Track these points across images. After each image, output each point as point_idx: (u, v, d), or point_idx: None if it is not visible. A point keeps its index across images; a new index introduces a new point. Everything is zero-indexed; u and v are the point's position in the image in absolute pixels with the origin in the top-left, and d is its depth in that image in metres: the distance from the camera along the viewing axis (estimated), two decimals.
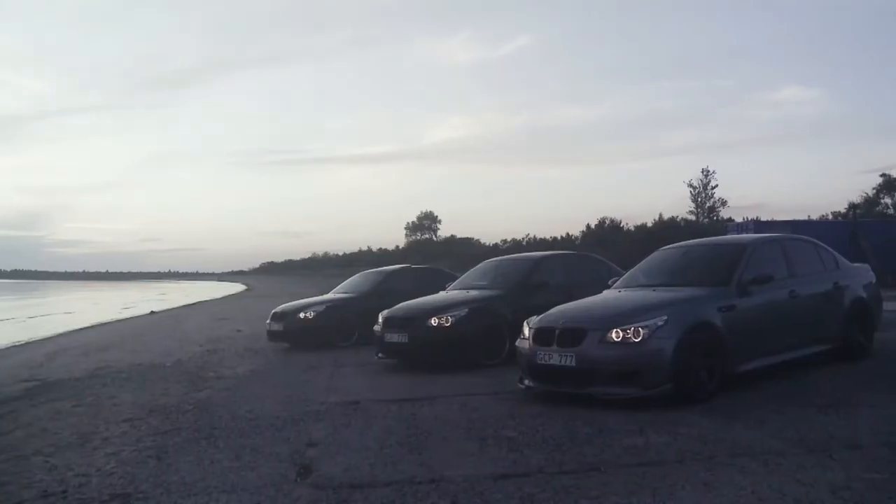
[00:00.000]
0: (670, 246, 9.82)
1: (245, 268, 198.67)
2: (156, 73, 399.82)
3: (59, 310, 44.36)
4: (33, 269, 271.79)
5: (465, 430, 6.49)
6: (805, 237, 10.21)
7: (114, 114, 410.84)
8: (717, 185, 65.59)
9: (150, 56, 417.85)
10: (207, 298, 50.98)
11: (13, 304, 51.47)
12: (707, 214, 64.38)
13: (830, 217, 53.35)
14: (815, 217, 51.85)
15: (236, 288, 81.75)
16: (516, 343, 8.25)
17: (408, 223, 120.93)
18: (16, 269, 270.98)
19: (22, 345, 20.16)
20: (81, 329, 25.12)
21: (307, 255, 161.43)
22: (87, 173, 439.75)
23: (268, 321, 15.31)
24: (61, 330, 24.95)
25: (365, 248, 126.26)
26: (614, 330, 7.15)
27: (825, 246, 9.80)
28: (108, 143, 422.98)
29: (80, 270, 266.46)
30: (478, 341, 10.41)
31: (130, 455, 6.17)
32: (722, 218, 59.24)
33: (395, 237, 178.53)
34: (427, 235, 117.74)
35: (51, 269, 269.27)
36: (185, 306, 40.27)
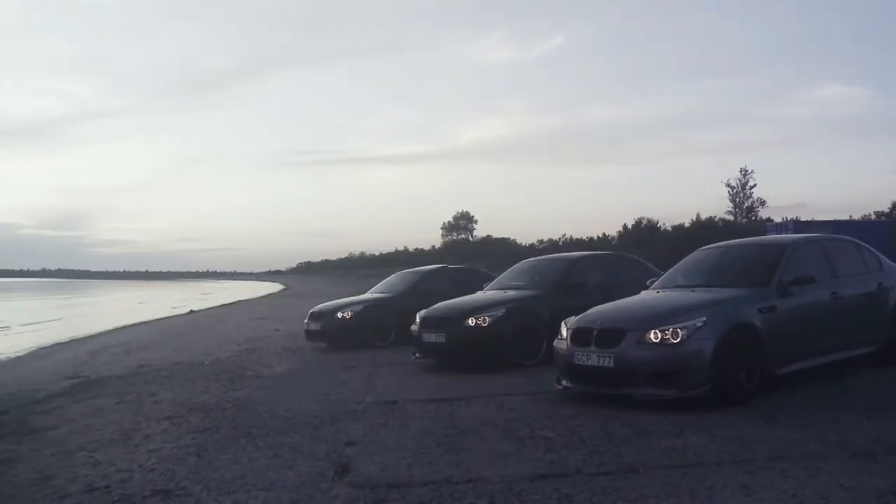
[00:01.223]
0: (709, 246, 9.72)
1: (282, 267, 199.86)
2: (192, 75, 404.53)
3: (101, 308, 45.03)
4: (76, 268, 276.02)
5: (503, 430, 6.48)
6: (847, 237, 10.06)
7: (151, 115, 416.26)
8: (755, 185, 64.94)
9: (185, 59, 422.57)
10: (245, 298, 51.42)
11: (58, 303, 52.35)
12: (745, 214, 63.70)
13: (873, 217, 52.40)
14: (856, 217, 51.00)
15: (274, 287, 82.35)
16: (554, 343, 8.22)
17: (444, 223, 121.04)
18: (59, 269, 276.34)
19: (66, 342, 20.51)
20: (123, 327, 25.48)
21: (343, 255, 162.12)
22: (126, 174, 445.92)
23: (305, 320, 15.41)
24: (103, 328, 25.34)
25: (401, 248, 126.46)
26: (653, 330, 7.10)
27: (867, 246, 9.62)
28: (145, 144, 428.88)
29: (121, 270, 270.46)
30: (515, 341, 10.39)
31: (171, 452, 6.25)
32: (760, 218, 58.58)
33: (431, 237, 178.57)
34: (463, 235, 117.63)
35: (92, 269, 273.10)
36: (223, 305, 40.64)
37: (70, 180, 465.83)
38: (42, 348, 19.40)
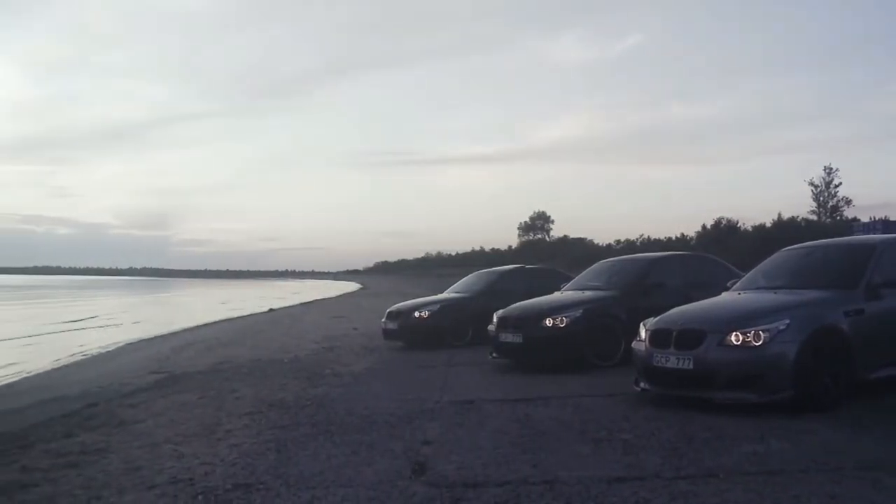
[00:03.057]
0: (792, 247, 9.47)
1: (359, 267, 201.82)
2: (274, 78, 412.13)
3: (183, 306, 46.20)
4: (161, 266, 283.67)
5: (579, 431, 6.44)
6: None
7: (235, 118, 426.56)
8: (840, 184, 62.81)
9: (267, 63, 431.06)
10: (323, 297, 52.15)
11: (144, 301, 53.92)
12: (830, 214, 61.68)
13: None
14: None
15: (351, 287, 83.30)
16: (632, 345, 8.13)
17: (520, 223, 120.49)
18: (145, 267, 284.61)
19: (151, 339, 21.13)
20: (204, 325, 26.10)
21: (420, 255, 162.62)
22: (210, 175, 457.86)
23: (383, 320, 15.55)
24: (186, 325, 26.00)
25: (478, 247, 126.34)
26: (734, 333, 6.97)
27: None
28: (229, 146, 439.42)
29: (203, 268, 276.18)
30: (592, 342, 10.32)
31: (251, 447, 6.37)
32: (846, 217, 56.67)
33: (507, 237, 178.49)
34: (540, 235, 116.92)
35: (176, 267, 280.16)
36: (301, 304, 41.28)
37: (157, 182, 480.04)
38: (129, 344, 20.04)
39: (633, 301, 10.63)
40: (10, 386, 12.96)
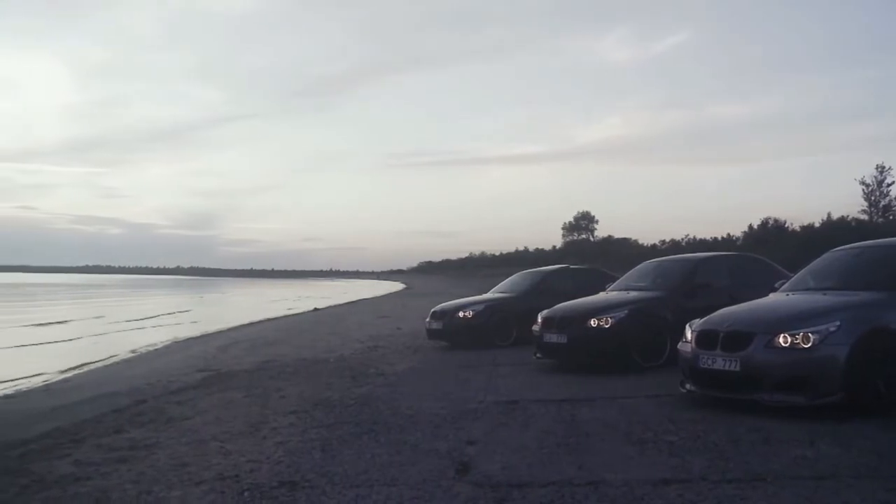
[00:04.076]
0: (843, 247, 9.29)
1: (403, 267, 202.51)
2: (317, 79, 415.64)
3: (229, 305, 46.74)
4: (206, 266, 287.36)
5: (625, 433, 6.39)
6: None
7: (279, 119, 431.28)
8: (893, 182, 61.48)
9: (310, 63, 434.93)
10: (367, 296, 52.42)
11: (190, 300, 54.63)
12: (882, 214, 60.33)
13: None
14: None
15: (395, 287, 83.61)
16: (678, 346, 8.05)
17: (564, 223, 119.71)
18: (192, 266, 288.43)
19: (198, 337, 21.41)
20: (249, 324, 26.38)
21: (464, 255, 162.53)
22: (254, 176, 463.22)
23: (427, 319, 15.58)
24: (231, 324, 26.30)
25: (521, 248, 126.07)
26: (782, 334, 6.86)
27: None
28: (273, 146, 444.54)
29: (248, 268, 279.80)
30: (637, 343, 10.24)
31: (297, 445, 6.43)
32: None
33: (551, 237, 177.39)
34: (584, 235, 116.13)
35: (222, 267, 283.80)
36: (345, 304, 41.54)
37: (203, 183, 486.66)
38: (176, 342, 20.34)
39: (679, 302, 10.54)
40: (63, 381, 13.23)
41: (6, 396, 11.62)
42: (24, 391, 12.24)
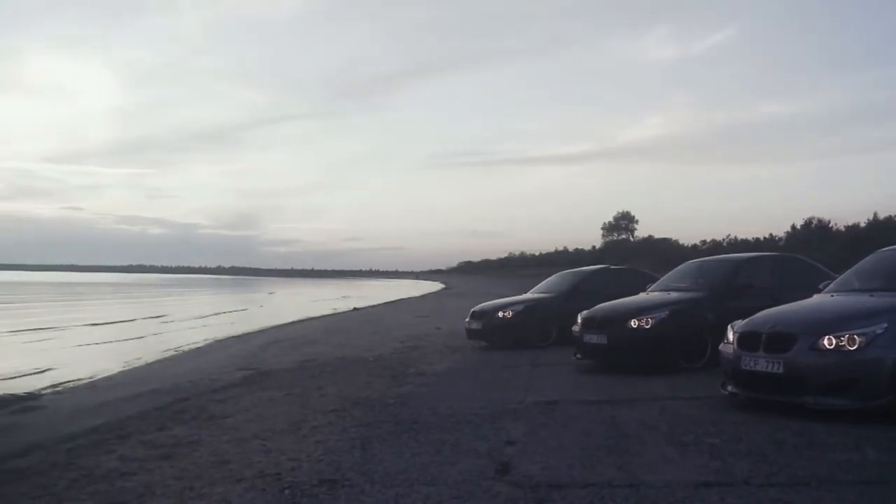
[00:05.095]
0: (890, 247, 9.11)
1: (442, 267, 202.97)
2: (358, 80, 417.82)
3: (270, 304, 47.14)
4: (247, 265, 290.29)
5: (666, 434, 6.34)
6: None
7: (321, 120, 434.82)
8: None
9: (354, 64, 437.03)
10: (407, 296, 52.56)
11: (232, 299, 55.23)
12: None
13: None
14: None
15: (434, 286, 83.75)
16: (720, 347, 7.97)
17: (604, 223, 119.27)
18: (233, 266, 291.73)
19: (239, 336, 21.64)
20: (290, 323, 26.59)
21: (503, 255, 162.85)
22: (295, 176, 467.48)
23: (466, 319, 15.56)
24: (272, 323, 26.53)
25: (561, 248, 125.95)
26: (827, 336, 6.75)
27: None
28: (314, 147, 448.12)
29: (289, 268, 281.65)
30: (678, 344, 10.16)
31: (337, 444, 6.47)
32: None
33: (591, 237, 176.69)
34: (624, 236, 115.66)
35: (263, 267, 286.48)
36: (385, 304, 41.70)
37: (246, 183, 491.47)
38: (218, 340, 20.58)
39: (721, 302, 10.42)
40: (108, 379, 13.46)
41: (55, 392, 11.86)
42: (71, 387, 12.50)
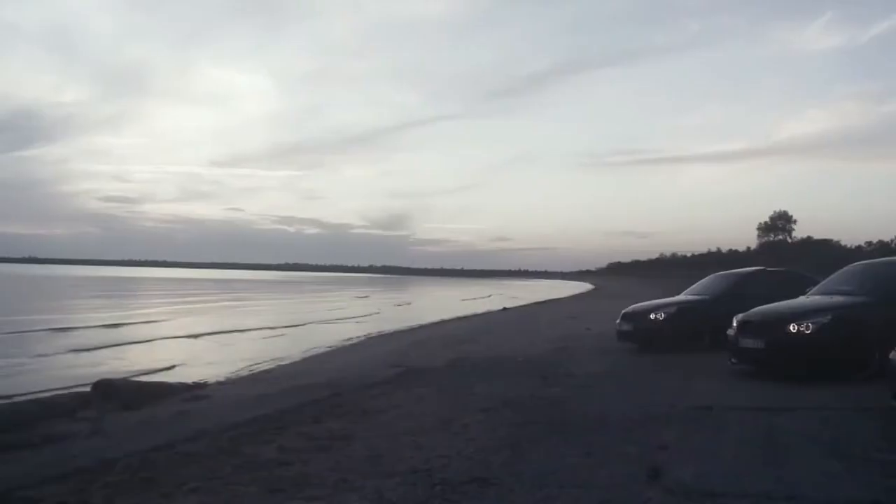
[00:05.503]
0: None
1: (592, 267, 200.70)
2: (508, 79, 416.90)
3: (421, 304, 47.94)
4: (398, 265, 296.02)
5: (829, 446, 6.03)
6: None
7: (471, 121, 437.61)
8: None
9: (503, 64, 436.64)
10: (555, 297, 52.31)
11: (382, 297, 56.53)
12: None
13: None
14: None
15: (583, 287, 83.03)
16: (889, 356, 7.51)
17: (760, 223, 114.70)
18: (384, 265, 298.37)
19: (391, 333, 22.16)
20: (440, 322, 26.97)
21: (654, 256, 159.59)
22: (445, 177, 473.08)
23: (617, 321, 15.31)
24: (423, 322, 27.00)
25: (714, 249, 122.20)
26: None
27: None
28: (464, 147, 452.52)
29: (438, 267, 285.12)
30: (841, 351, 9.64)
31: (487, 443, 6.50)
32: None
33: (745, 238, 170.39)
34: (780, 236, 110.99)
35: (412, 266, 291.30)
36: (534, 304, 41.66)
37: (397, 184, 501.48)
38: (370, 337, 21.15)
39: (890, 309, 9.81)
40: (266, 372, 14.09)
41: (218, 383, 12.53)
42: (234, 378, 13.17)
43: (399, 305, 45.45)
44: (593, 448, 6.17)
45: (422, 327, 24.72)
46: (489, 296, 59.22)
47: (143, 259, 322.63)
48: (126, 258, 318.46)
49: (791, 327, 9.93)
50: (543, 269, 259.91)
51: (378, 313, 34.94)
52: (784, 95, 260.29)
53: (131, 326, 25.75)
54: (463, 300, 51.05)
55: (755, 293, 13.20)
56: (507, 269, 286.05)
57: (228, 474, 5.62)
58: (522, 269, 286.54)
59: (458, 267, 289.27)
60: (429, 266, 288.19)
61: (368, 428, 7.37)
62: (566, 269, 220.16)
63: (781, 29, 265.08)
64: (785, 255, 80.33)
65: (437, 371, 11.94)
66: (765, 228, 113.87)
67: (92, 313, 30.97)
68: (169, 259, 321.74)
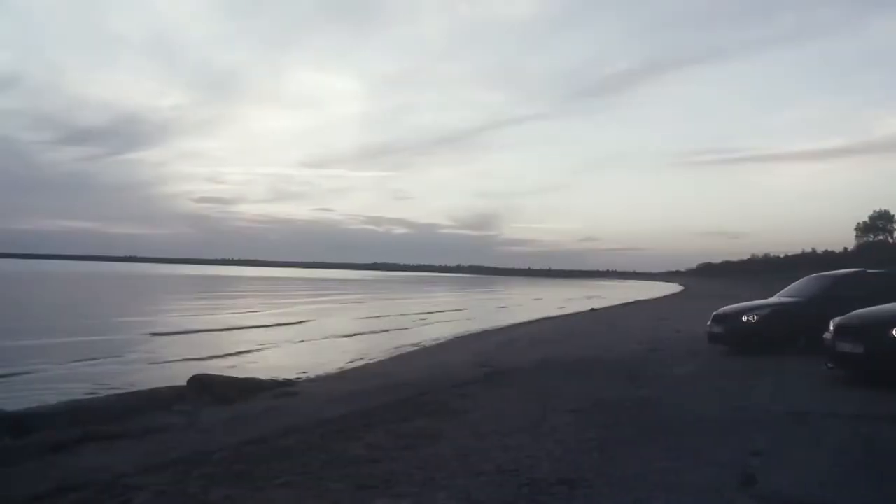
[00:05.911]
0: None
1: (681, 268, 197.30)
2: (597, 78, 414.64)
3: (508, 304, 47.92)
4: (485, 265, 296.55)
5: None
6: None
7: (559, 121, 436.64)
8: None
9: (591, 63, 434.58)
10: (644, 298, 51.60)
11: (470, 297, 56.69)
12: None
13: None
14: None
15: (673, 288, 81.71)
16: None
17: (858, 223, 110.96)
18: (471, 265, 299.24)
19: (478, 334, 22.20)
20: (527, 322, 26.91)
21: (746, 257, 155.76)
22: (534, 177, 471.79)
23: (708, 323, 15.02)
24: (510, 322, 26.97)
25: (808, 249, 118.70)
26: None
27: None
28: (551, 147, 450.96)
29: (525, 267, 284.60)
30: None
31: (575, 444, 6.44)
32: None
33: (842, 238, 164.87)
34: (881, 237, 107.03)
35: (499, 266, 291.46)
36: (622, 305, 41.21)
37: (484, 184, 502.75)
38: (458, 337, 21.23)
39: None
40: (356, 370, 14.29)
41: (309, 380, 12.77)
42: (324, 376, 13.39)
43: (486, 305, 45.51)
44: (683, 452, 6.06)
45: (509, 327, 24.70)
46: (577, 296, 58.81)
47: (235, 258, 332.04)
48: (220, 257, 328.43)
49: (893, 332, 9.55)
50: (632, 270, 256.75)
51: (466, 312, 35.13)
52: (885, 90, 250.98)
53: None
54: (550, 301, 50.80)
55: (854, 295, 12.74)
56: (595, 269, 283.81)
57: (318, 469, 5.72)
58: (610, 269, 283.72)
59: (546, 267, 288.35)
60: (516, 266, 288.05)
61: (455, 427, 7.39)
62: (655, 270, 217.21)
63: (882, 21, 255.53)
64: (886, 256, 77.33)
65: (525, 371, 11.91)
66: (864, 229, 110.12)
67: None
68: (260, 258, 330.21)
